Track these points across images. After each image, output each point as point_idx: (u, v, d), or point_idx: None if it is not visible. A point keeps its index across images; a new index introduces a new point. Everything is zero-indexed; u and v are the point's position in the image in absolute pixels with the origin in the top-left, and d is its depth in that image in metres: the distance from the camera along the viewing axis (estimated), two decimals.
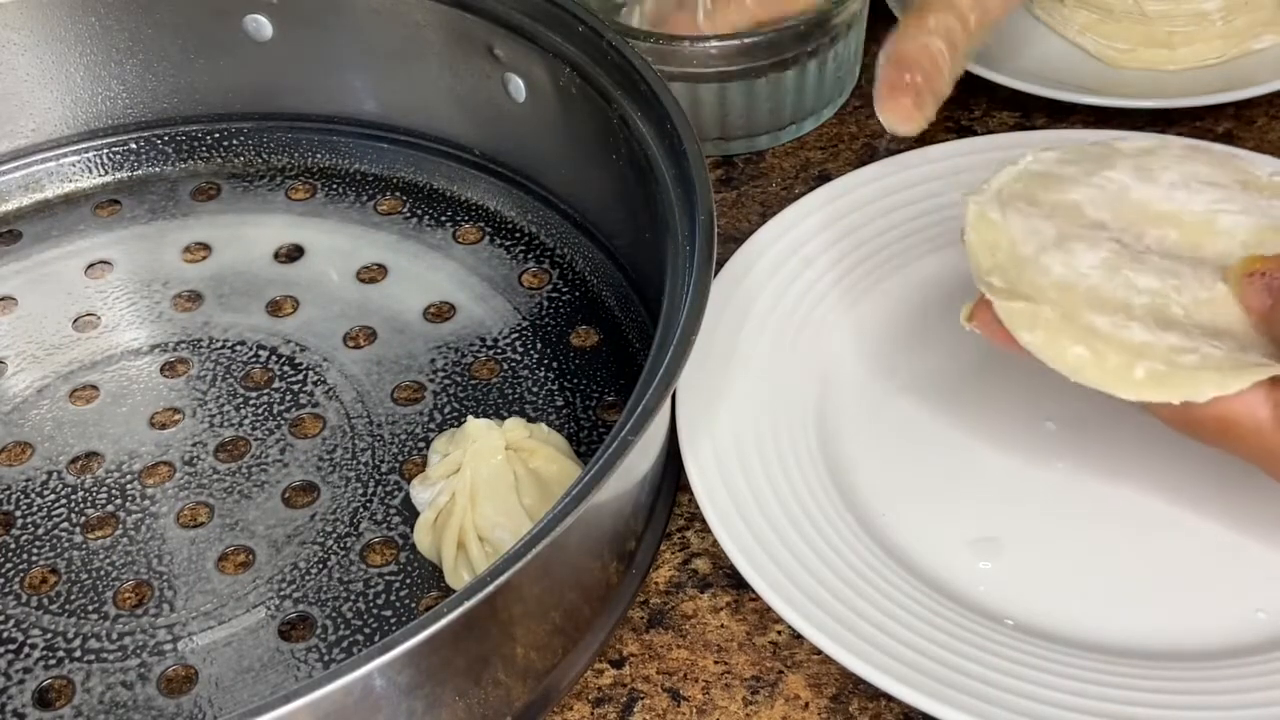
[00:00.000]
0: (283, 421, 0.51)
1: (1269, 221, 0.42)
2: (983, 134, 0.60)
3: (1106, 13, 0.63)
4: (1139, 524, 0.44)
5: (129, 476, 0.49)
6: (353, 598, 0.45)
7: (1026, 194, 0.44)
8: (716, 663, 0.43)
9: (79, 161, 0.63)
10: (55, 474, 0.50)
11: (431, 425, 0.50)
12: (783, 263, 0.52)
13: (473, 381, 0.52)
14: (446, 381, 0.52)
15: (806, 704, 0.42)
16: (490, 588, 0.34)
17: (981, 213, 0.43)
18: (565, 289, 0.55)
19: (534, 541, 0.35)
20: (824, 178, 0.59)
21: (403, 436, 0.50)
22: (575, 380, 0.52)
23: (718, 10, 0.59)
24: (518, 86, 0.56)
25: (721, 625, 0.44)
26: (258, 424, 0.51)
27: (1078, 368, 0.39)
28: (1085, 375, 0.39)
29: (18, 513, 0.48)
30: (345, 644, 0.44)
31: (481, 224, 0.59)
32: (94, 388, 0.53)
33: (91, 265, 0.59)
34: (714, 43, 0.58)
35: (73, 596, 0.46)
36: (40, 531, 0.48)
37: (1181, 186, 0.44)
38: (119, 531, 0.48)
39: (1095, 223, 0.43)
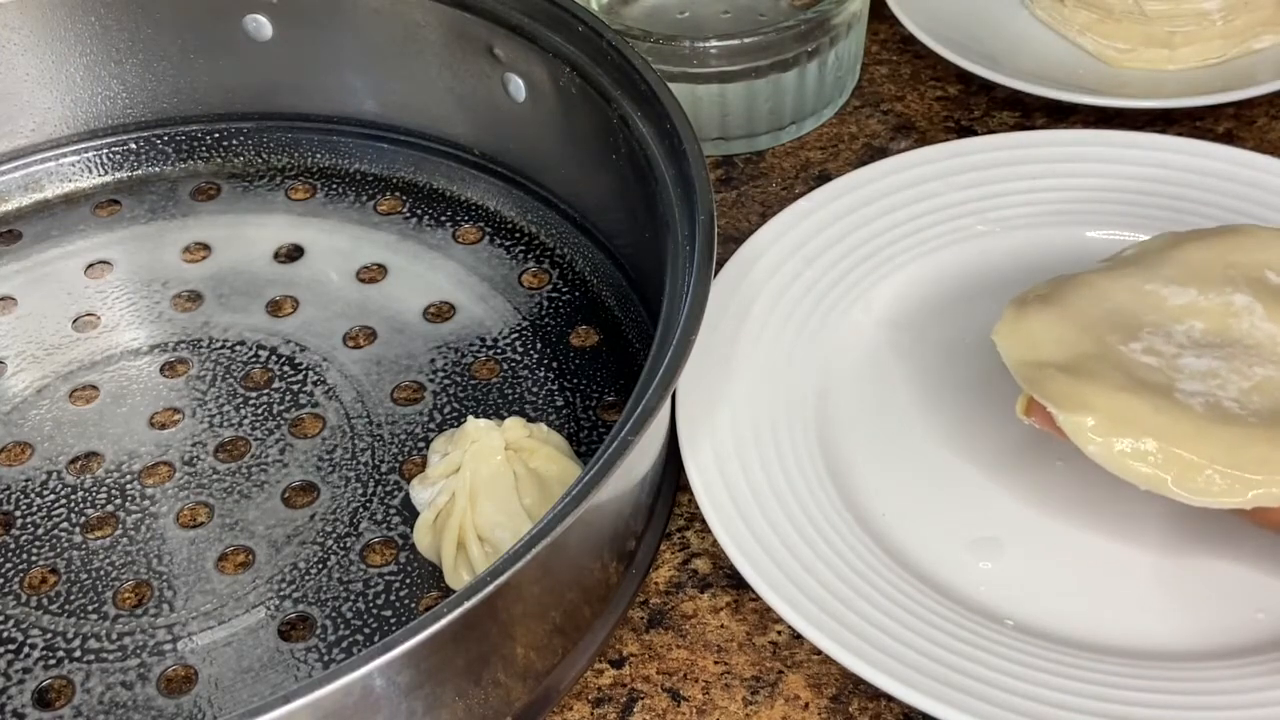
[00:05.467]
0: (282, 421, 0.51)
1: (1270, 290, 0.44)
2: (983, 134, 0.60)
3: (1106, 13, 0.63)
4: (1139, 524, 0.44)
5: (129, 476, 0.49)
6: (353, 598, 0.45)
7: (1051, 301, 0.44)
8: (716, 663, 0.43)
9: (79, 161, 0.63)
10: (55, 474, 0.50)
11: (431, 425, 0.50)
12: (783, 263, 0.52)
13: (473, 381, 0.52)
14: (446, 381, 0.52)
15: (806, 704, 0.42)
16: (490, 588, 0.34)
17: (1017, 315, 0.44)
18: (565, 289, 0.55)
19: (534, 541, 0.35)
20: (824, 178, 0.59)
21: (402, 436, 0.50)
22: (575, 380, 0.52)
23: None
24: (518, 86, 0.56)
25: (721, 625, 0.44)
26: (257, 424, 0.51)
27: (1149, 484, 0.40)
28: (1155, 488, 0.40)
29: (18, 513, 0.48)
30: (345, 644, 0.44)
31: (481, 224, 0.59)
32: (94, 388, 0.53)
33: (91, 265, 0.59)
34: (714, 42, 0.58)
35: (72, 596, 0.46)
36: (40, 531, 0.48)
37: (1187, 281, 0.44)
38: (119, 531, 0.48)
39: (1129, 326, 0.43)
